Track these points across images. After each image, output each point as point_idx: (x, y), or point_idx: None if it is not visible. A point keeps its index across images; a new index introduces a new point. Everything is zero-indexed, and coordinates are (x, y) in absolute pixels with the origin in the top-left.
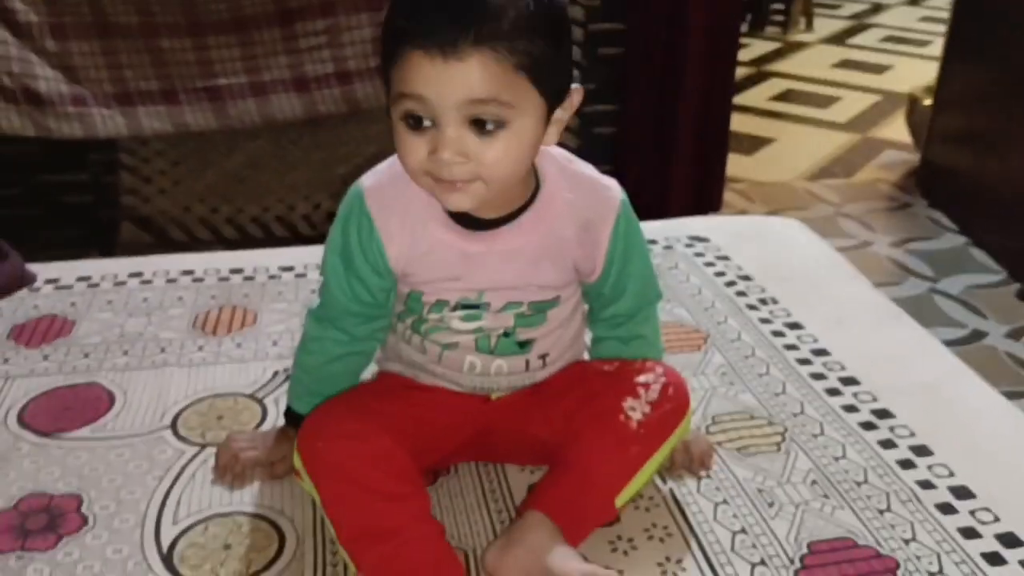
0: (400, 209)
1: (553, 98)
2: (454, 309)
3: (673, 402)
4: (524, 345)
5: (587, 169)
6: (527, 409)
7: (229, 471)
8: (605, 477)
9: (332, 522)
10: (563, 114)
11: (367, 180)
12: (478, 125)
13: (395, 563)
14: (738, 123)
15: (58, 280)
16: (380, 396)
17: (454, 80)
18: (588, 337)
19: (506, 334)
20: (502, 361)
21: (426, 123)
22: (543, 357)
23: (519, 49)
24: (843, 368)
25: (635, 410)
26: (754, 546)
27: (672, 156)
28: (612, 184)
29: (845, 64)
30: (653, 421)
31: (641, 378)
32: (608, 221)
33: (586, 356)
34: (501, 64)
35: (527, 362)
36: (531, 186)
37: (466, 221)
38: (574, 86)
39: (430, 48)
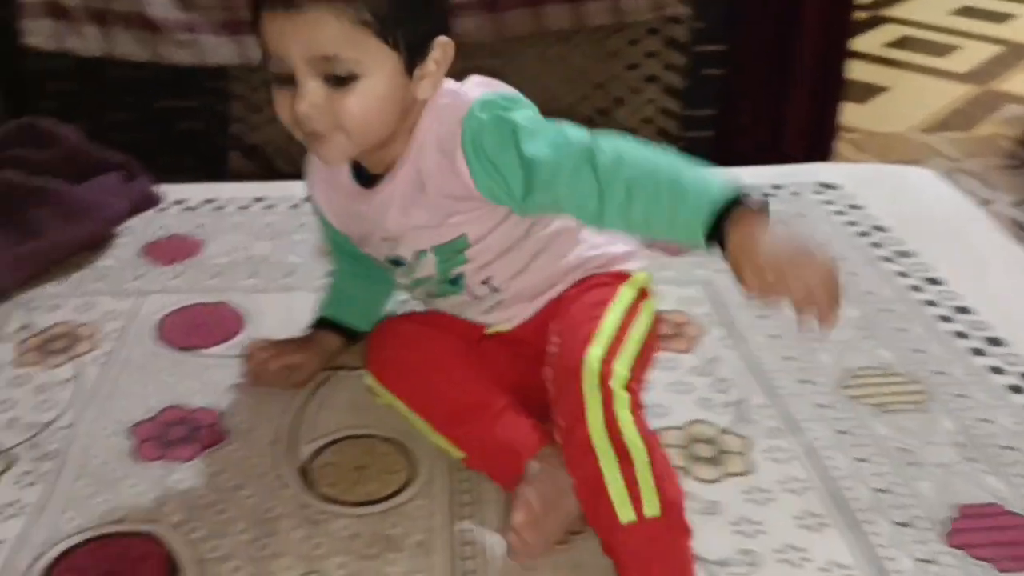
0: (323, 177)
1: (409, 52)
2: (393, 265)
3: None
4: (455, 282)
5: (456, 87)
6: (525, 367)
7: (253, 376)
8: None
9: (422, 416)
10: (433, 68)
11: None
12: (332, 78)
13: (495, 435)
14: (851, 70)
15: (185, 202)
16: (429, 314)
17: (297, 34)
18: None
19: (440, 280)
20: (453, 299)
21: (290, 80)
22: (486, 282)
23: (360, 4)
24: (987, 328)
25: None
26: (899, 507)
27: (783, 102)
28: (470, 92)
29: (965, 11)
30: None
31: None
32: (456, 131)
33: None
34: (340, 19)
35: (472, 293)
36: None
37: (362, 179)
38: (441, 39)
39: (275, 5)
